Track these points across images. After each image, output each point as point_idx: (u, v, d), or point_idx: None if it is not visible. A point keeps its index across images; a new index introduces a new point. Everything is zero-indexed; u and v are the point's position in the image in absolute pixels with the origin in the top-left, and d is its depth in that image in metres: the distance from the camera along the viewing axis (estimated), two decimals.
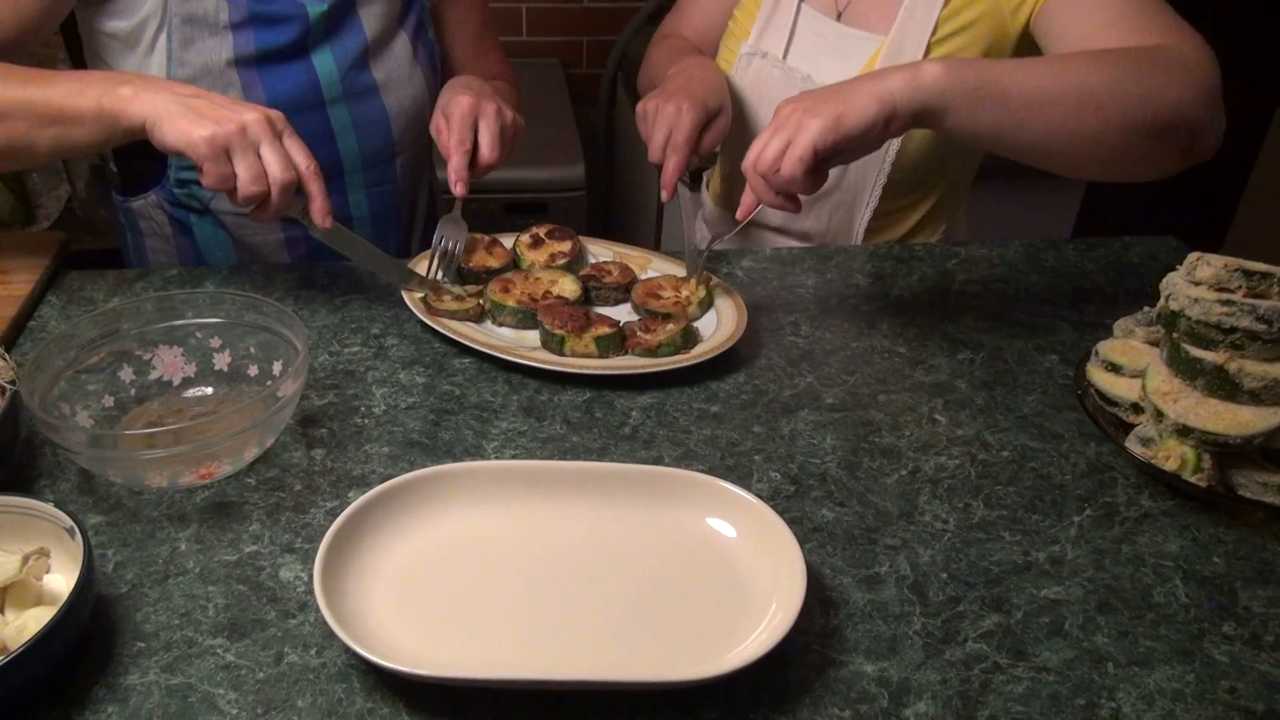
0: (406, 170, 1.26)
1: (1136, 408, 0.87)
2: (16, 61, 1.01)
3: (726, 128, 1.14)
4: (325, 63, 1.13)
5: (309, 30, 1.11)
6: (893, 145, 1.18)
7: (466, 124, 1.07)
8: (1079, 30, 1.03)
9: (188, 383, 0.90)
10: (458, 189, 1.06)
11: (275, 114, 0.91)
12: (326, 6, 1.11)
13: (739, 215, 0.97)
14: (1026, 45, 1.12)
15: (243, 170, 0.89)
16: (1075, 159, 0.95)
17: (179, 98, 0.89)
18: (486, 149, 1.07)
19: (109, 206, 1.27)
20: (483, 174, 1.09)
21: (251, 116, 0.88)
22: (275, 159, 0.89)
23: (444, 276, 1.06)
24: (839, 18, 1.20)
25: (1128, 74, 0.92)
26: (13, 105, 0.92)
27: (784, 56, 1.22)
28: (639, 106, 1.13)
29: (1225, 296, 0.80)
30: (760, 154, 0.91)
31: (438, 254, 1.07)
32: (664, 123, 1.08)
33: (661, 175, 1.08)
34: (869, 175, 1.21)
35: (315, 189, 0.93)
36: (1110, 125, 0.91)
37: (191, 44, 1.07)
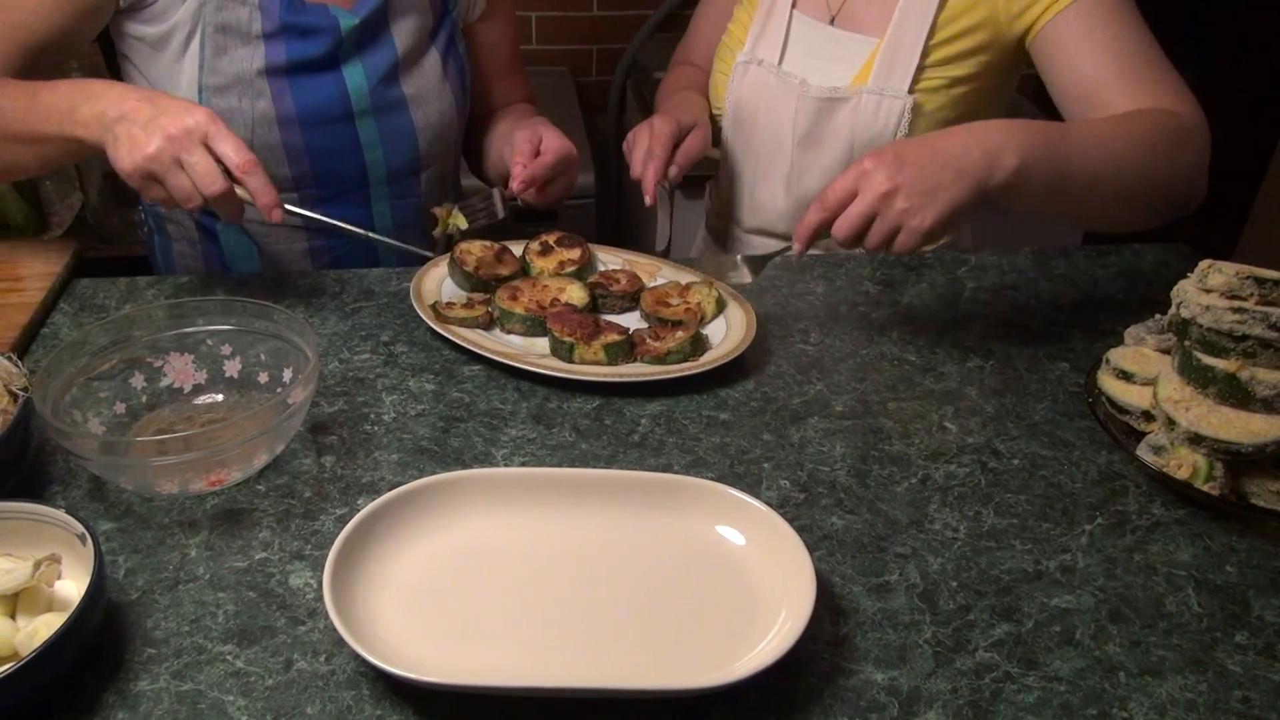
0: (431, 184, 1.26)
1: (1148, 416, 0.87)
2: (57, 64, 1.05)
3: (706, 139, 1.20)
4: (355, 75, 1.14)
5: (340, 43, 1.12)
6: None
7: (551, 164, 1.13)
8: (1083, 78, 1.06)
9: (198, 390, 0.91)
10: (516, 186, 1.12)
11: (197, 119, 0.89)
12: (358, 20, 1.12)
13: (795, 251, 0.95)
14: (1023, 54, 1.14)
15: (173, 191, 0.90)
16: (1089, 221, 1.10)
17: (111, 123, 0.89)
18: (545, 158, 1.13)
19: (126, 210, 1.28)
20: (522, 189, 1.13)
21: (167, 135, 0.87)
22: (200, 171, 0.89)
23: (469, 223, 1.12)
24: (832, 22, 1.22)
25: (1158, 166, 0.98)
26: None
27: (779, 63, 1.23)
28: (625, 141, 1.21)
29: (1237, 304, 0.80)
30: (857, 235, 0.90)
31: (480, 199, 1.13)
32: (641, 138, 1.16)
33: (642, 182, 1.14)
34: None
35: (254, 184, 0.92)
36: (1131, 207, 1.01)
37: (224, 52, 1.08)
